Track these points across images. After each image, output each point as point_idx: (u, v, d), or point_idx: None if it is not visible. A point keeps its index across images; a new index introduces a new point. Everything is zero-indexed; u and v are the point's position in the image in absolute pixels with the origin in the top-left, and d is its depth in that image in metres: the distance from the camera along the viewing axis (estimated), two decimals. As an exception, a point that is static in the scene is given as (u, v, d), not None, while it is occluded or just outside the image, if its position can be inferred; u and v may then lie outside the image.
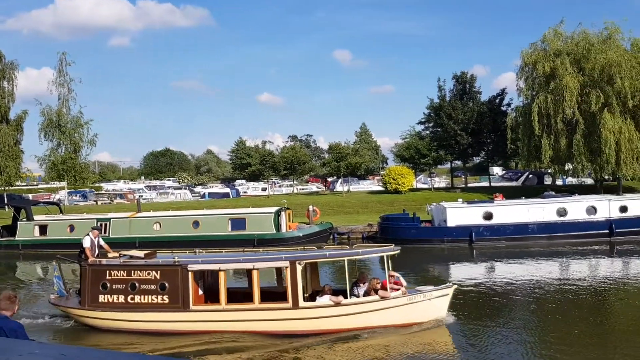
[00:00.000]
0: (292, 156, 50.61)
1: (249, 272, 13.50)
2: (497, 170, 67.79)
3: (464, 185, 51.03)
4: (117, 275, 13.35)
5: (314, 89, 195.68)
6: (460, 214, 26.74)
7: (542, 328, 12.71)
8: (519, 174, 52.05)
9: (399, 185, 43.21)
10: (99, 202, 51.38)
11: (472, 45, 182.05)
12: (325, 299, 12.71)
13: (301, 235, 28.24)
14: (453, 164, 54.51)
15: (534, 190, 39.10)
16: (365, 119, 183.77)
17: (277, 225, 28.12)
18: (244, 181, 69.21)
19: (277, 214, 28.21)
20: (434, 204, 29.27)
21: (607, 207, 26.52)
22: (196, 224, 28.70)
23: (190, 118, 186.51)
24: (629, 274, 20.04)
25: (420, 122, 51.12)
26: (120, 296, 13.26)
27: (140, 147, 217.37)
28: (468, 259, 24.07)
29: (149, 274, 13.19)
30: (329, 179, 64.93)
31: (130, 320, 13.22)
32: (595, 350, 10.96)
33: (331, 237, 29.58)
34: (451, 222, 26.58)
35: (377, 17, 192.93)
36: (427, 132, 50.72)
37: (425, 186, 54.79)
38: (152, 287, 13.09)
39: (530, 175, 49.42)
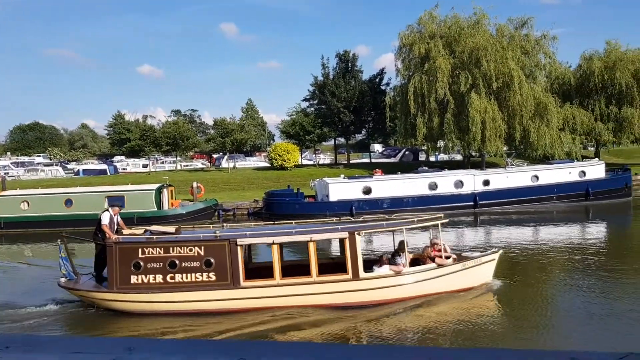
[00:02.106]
0: (175, 131, 49.07)
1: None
2: (377, 147, 70.80)
3: (346, 162, 52.77)
4: (152, 253, 12.05)
5: (199, 62, 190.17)
6: (342, 189, 27.75)
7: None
8: (397, 151, 54.85)
9: (285, 161, 43.70)
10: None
11: (356, 25, 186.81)
12: (384, 269, 12.47)
13: (184, 212, 27.72)
14: (337, 141, 56.06)
15: (410, 166, 41.51)
16: (252, 94, 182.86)
17: (159, 203, 27.37)
18: (123, 157, 65.95)
19: (159, 191, 27.42)
20: (318, 179, 30.08)
21: (472, 181, 28.90)
22: (69, 202, 27.07)
23: (63, 90, 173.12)
24: (490, 240, 22.07)
25: (306, 99, 51.85)
26: (157, 276, 12.00)
27: (5, 120, 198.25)
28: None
29: (190, 250, 12.02)
30: (214, 156, 63.91)
31: (170, 302, 12.02)
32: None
33: (216, 213, 29.34)
34: (333, 197, 27.50)
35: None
36: (312, 109, 51.57)
37: (311, 162, 55.90)
38: (196, 264, 11.99)
39: (407, 152, 52.29)
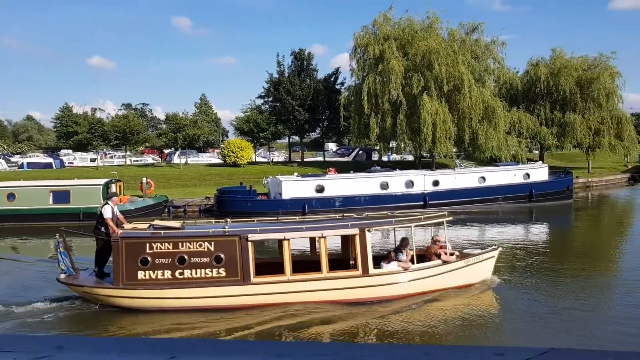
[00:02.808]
0: (125, 125, 47.80)
1: (312, 240, 13.05)
2: (332, 146, 71.22)
3: (300, 160, 52.84)
4: (160, 249, 11.70)
5: (151, 55, 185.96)
6: (295, 187, 27.80)
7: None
8: (351, 150, 55.35)
9: (238, 158, 43.36)
10: None
11: (313, 24, 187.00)
12: (393, 266, 12.57)
13: (133, 208, 27.12)
14: (291, 139, 56.05)
15: (363, 165, 41.96)
16: (206, 90, 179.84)
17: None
18: (70, 151, 63.86)
19: (106, 187, 26.72)
20: (271, 177, 30.02)
21: (422, 181, 29.52)
22: (11, 196, 26.07)
23: (8, 80, 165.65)
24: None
25: (260, 96, 51.55)
26: (165, 271, 11.70)
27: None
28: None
29: (200, 245, 11.77)
30: (166, 151, 62.69)
31: (179, 298, 11.74)
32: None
33: (166, 210, 28.88)
34: (286, 194, 27.52)
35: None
36: (267, 106, 51.36)
37: (265, 160, 55.67)
38: (206, 259, 11.75)
39: (360, 152, 52.85)
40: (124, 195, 28.60)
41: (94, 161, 53.46)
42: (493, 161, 37.33)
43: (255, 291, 11.84)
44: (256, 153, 55.65)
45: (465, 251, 14.18)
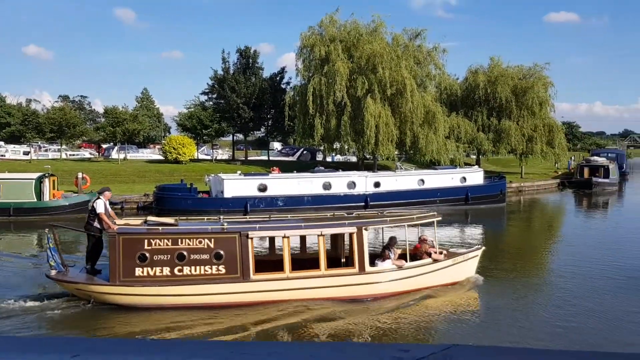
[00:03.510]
0: (61, 118, 45.99)
1: (303, 239, 13.41)
2: (277, 145, 71.07)
3: (244, 158, 52.46)
4: (159, 245, 11.45)
5: (92, 46, 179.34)
6: (237, 186, 27.59)
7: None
8: (295, 150, 55.42)
9: (180, 155, 42.58)
10: None
11: (261, 22, 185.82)
12: (387, 264, 12.80)
13: (67, 204, 26.20)
14: (235, 137, 55.52)
15: (307, 165, 42.16)
16: (149, 84, 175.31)
17: (39, 194, 25.65)
18: (1, 143, 60.72)
19: (39, 181, 25.69)
20: (213, 175, 29.67)
21: (364, 183, 29.99)
22: None
23: None
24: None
25: (204, 93, 50.81)
26: (164, 268, 11.46)
27: None
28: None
29: (200, 242, 11.60)
30: (104, 146, 60.71)
31: (178, 295, 11.53)
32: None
33: (102, 207, 27.98)
34: (228, 193, 27.27)
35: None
36: (211, 103, 50.66)
37: (208, 157, 54.91)
38: (205, 256, 11.59)
39: (305, 152, 53.03)
40: (57, 190, 27.56)
41: (27, 154, 51.09)
42: (432, 164, 38.37)
43: (255, 288, 11.84)
44: (199, 150, 54.81)
45: (451, 250, 14.69)
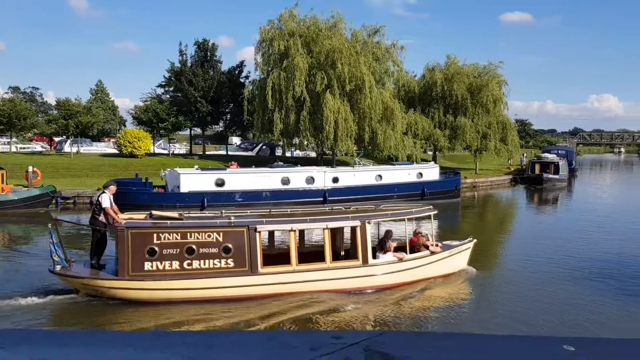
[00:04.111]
0: (11, 109, 44.34)
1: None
2: (235, 140, 70.46)
3: (202, 153, 51.81)
4: (168, 239, 11.49)
5: (45, 37, 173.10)
6: (194, 180, 27.25)
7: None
8: (254, 145, 55.12)
9: (135, 149, 41.72)
10: None
11: (219, 14, 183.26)
12: (389, 256, 13.20)
13: (16, 198, 25.36)
14: (193, 131, 54.72)
15: (266, 160, 42.00)
16: (103, 76, 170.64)
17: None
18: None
19: (-15, 175, 24.69)
20: (169, 169, 29.22)
21: (322, 178, 30.12)
22: None
23: None
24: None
25: (161, 85, 49.83)
26: (173, 262, 11.53)
27: None
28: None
29: (209, 236, 11.71)
30: (56, 139, 58.81)
31: (187, 289, 11.59)
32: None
33: (54, 201, 27.21)
34: (184, 187, 26.91)
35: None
36: (168, 96, 49.75)
37: (164, 152, 53.96)
38: (214, 250, 11.72)
39: (264, 147, 52.79)
40: (6, 184, 26.61)
41: (-27, 147, 49.05)
42: (390, 160, 38.85)
43: (263, 281, 12.00)
44: (155, 144, 53.76)
45: (444, 243, 15.10)
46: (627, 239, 21.24)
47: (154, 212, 13.03)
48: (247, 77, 48.29)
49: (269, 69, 39.78)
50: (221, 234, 11.84)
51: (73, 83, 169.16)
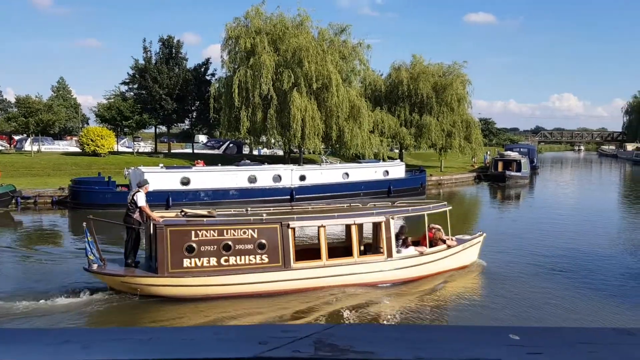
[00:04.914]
0: (-34, 107, 42.88)
1: (347, 227, 14.05)
2: (202, 138, 69.73)
3: (167, 151, 51.11)
4: (206, 236, 11.75)
5: (4, 33, 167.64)
6: (158, 179, 26.80)
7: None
8: (221, 143, 54.67)
9: (98, 147, 40.84)
10: None
11: (185, 11, 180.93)
12: (410, 250, 13.82)
13: (-28, 199, 24.50)
14: (158, 129, 53.93)
15: (233, 158, 41.71)
16: (66, 73, 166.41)
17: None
18: None
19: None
20: (132, 168, 28.70)
21: (289, 176, 30.09)
22: None
23: None
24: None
25: (125, 83, 48.92)
26: (211, 259, 11.79)
27: None
28: (164, 223, 24.39)
29: (244, 232, 12.01)
30: (16, 137, 57.10)
31: (224, 285, 11.87)
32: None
33: (14, 201, 26.45)
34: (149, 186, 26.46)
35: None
36: (132, 93, 48.90)
37: (129, 150, 53.02)
38: (249, 246, 12.02)
39: (231, 145, 52.43)
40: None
41: None
42: (357, 158, 39.10)
43: (295, 276, 12.37)
44: (120, 142, 52.80)
45: (457, 237, 15.55)
46: (585, 233, 21.94)
47: (186, 210, 13.23)
48: (213, 74, 47.91)
49: (236, 66, 39.52)
50: (256, 230, 12.15)
51: (34, 80, 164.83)
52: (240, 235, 12.02)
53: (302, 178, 30.50)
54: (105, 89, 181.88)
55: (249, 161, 34.33)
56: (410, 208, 14.68)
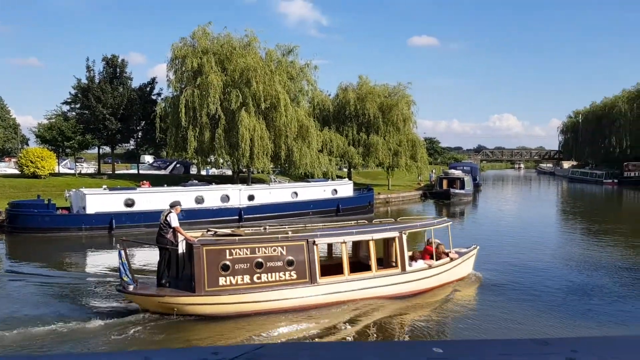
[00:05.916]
0: None
1: (356, 243, 15.22)
2: (148, 158, 68.37)
3: (111, 172, 49.75)
4: (239, 254, 12.13)
5: None
6: (101, 201, 26.10)
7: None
8: (168, 163, 53.70)
9: (38, 169, 39.27)
10: None
11: (130, 31, 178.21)
12: (420, 263, 14.57)
13: None
14: (102, 150, 52.47)
15: (180, 178, 41.03)
16: (5, 93, 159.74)
17: None
18: None
19: None
20: (74, 190, 27.79)
21: (238, 196, 29.88)
22: None
23: None
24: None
25: (66, 102, 47.43)
26: (245, 276, 12.16)
27: None
28: (107, 246, 23.64)
29: (274, 250, 12.47)
30: (-52, 158, 54.26)
31: (256, 302, 12.19)
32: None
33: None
34: (91, 209, 25.69)
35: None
36: (74, 113, 47.44)
37: (71, 171, 51.27)
38: (279, 263, 12.46)
39: (178, 165, 51.57)
40: None
41: None
42: (306, 177, 39.27)
43: (321, 291, 12.83)
44: (61, 164, 51.01)
45: (455, 250, 16.23)
46: (527, 247, 22.77)
47: (217, 230, 13.74)
48: (159, 94, 47.13)
49: (182, 86, 39.11)
50: (284, 247, 12.63)
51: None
52: (271, 252, 12.48)
53: (251, 198, 30.34)
54: (47, 108, 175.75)
55: (196, 181, 33.85)
56: (418, 223, 15.48)
